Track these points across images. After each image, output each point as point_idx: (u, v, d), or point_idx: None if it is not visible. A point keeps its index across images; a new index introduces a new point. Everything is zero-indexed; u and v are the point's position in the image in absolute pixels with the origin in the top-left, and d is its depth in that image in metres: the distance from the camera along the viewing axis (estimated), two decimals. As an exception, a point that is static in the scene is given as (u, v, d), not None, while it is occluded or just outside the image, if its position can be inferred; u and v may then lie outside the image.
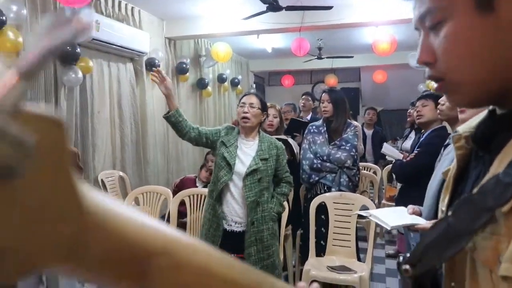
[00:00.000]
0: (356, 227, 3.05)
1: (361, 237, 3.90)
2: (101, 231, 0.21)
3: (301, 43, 5.62)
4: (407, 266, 0.50)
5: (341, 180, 2.96)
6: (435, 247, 0.48)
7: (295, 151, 3.24)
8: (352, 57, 7.86)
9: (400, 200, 2.59)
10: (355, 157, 3.01)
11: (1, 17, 3.07)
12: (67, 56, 3.71)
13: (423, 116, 2.63)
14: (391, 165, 3.58)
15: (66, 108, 3.82)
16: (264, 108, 2.44)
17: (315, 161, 3.01)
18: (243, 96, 2.47)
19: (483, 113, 0.58)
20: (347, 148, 2.98)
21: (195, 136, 2.37)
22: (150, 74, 2.48)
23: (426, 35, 0.54)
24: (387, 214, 1.60)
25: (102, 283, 0.24)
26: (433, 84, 0.57)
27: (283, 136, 3.22)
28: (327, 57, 7.56)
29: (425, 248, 0.49)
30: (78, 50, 3.79)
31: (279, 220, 2.89)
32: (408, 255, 0.52)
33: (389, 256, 4.08)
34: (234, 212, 2.33)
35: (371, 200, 4.06)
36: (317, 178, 3.00)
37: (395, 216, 1.50)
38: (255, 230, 2.29)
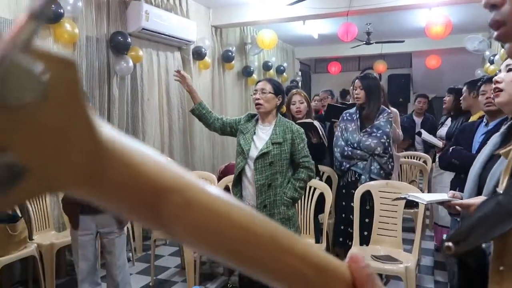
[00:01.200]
0: (403, 217, 2.97)
1: (408, 228, 3.79)
2: (116, 161, 0.23)
3: (348, 28, 5.47)
4: (450, 244, 0.49)
5: (372, 167, 2.90)
6: (482, 225, 0.46)
7: (321, 134, 3.19)
8: (403, 41, 7.53)
9: (455, 186, 2.44)
10: (387, 144, 2.92)
11: (59, 10, 3.26)
12: (119, 46, 3.88)
13: (492, 103, 2.34)
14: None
15: (118, 95, 4.01)
16: (277, 92, 2.43)
17: (346, 148, 2.98)
18: (256, 83, 2.52)
19: None
20: (378, 135, 2.91)
21: (220, 126, 2.55)
22: (173, 75, 2.74)
23: None
24: (426, 195, 1.58)
25: (116, 211, 0.26)
26: (493, 34, 0.53)
27: (308, 120, 3.19)
28: (376, 42, 7.29)
29: (470, 226, 0.47)
30: (129, 40, 3.95)
31: (322, 207, 2.88)
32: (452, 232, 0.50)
33: (441, 249, 3.93)
34: (250, 196, 2.41)
35: (421, 190, 3.91)
36: (348, 166, 2.97)
37: (433, 196, 1.48)
38: (267, 214, 2.29)
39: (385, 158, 2.93)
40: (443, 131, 3.93)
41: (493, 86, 1.39)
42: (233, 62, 6.00)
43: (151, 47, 4.54)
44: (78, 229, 2.36)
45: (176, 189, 0.26)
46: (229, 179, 3.24)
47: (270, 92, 2.39)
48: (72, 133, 0.21)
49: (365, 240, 2.80)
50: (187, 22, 4.83)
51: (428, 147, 4.70)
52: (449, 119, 3.97)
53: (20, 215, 2.75)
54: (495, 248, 0.48)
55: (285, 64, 7.99)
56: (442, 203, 1.34)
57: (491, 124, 2.39)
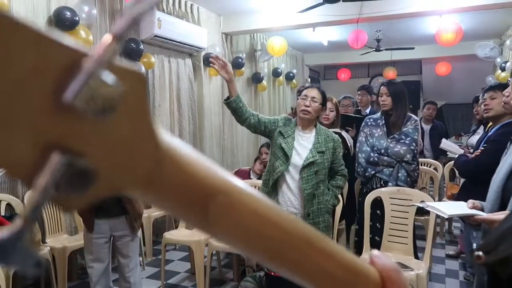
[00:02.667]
0: (414, 224, 2.95)
1: (419, 235, 3.76)
2: (173, 167, 0.26)
3: (358, 35, 5.49)
4: (480, 253, 0.49)
5: (399, 175, 2.85)
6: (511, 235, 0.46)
7: (349, 145, 3.19)
8: (413, 48, 7.52)
9: (462, 196, 2.45)
10: (415, 151, 2.89)
11: (74, 18, 3.33)
12: (131, 53, 3.94)
13: (491, 109, 2.45)
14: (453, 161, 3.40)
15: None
16: (324, 103, 2.43)
17: (371, 154, 2.92)
18: (305, 88, 2.47)
19: None
20: (407, 142, 2.87)
21: (255, 123, 2.38)
22: (210, 63, 2.50)
23: None
24: (445, 205, 1.55)
25: (171, 211, 0.29)
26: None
27: (337, 130, 3.18)
28: (386, 49, 7.29)
29: (500, 235, 0.48)
30: (142, 46, 4.01)
31: (332, 214, 2.88)
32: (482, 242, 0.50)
33: (449, 256, 3.89)
34: (290, 202, 2.36)
35: (431, 197, 3.89)
36: (373, 172, 2.92)
37: (453, 207, 1.45)
38: (310, 222, 2.30)
39: (414, 166, 2.89)
40: (474, 139, 3.87)
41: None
42: (243, 68, 6.04)
43: (163, 53, 4.61)
44: (93, 233, 2.39)
45: (222, 191, 0.28)
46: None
47: (320, 103, 2.38)
48: (138, 141, 0.23)
49: (377, 246, 2.79)
50: (198, 29, 4.89)
51: (438, 154, 4.68)
52: (482, 127, 3.90)
53: (34, 218, 2.79)
54: None
55: (294, 71, 8.02)
56: (467, 219, 1.31)
57: (492, 130, 2.43)
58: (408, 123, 2.93)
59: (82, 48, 0.21)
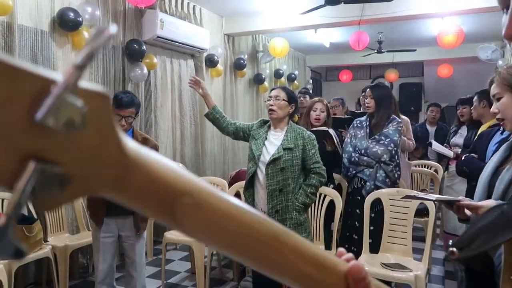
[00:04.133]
0: (413, 226, 2.97)
1: (419, 237, 3.78)
2: (139, 171, 0.29)
3: (360, 37, 5.50)
4: (454, 249, 0.51)
5: (377, 175, 2.91)
6: (485, 233, 0.48)
7: (336, 142, 3.21)
8: (414, 50, 7.53)
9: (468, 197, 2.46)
10: (393, 152, 2.93)
11: (77, 18, 3.36)
12: (134, 54, 3.97)
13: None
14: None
15: (140, 103, 4.08)
16: (291, 100, 2.49)
17: (353, 154, 3.01)
18: (271, 90, 2.58)
19: None
20: (385, 142, 2.92)
21: (233, 130, 2.61)
22: (188, 83, 2.77)
23: None
24: (436, 195, 1.60)
25: (141, 211, 0.32)
26: None
27: (323, 128, 3.22)
28: (388, 51, 7.30)
29: (474, 233, 0.49)
30: (144, 47, 4.04)
31: (332, 215, 2.90)
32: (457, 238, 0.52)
33: (447, 254, 3.90)
34: (262, 200, 2.44)
35: (431, 199, 3.90)
36: (354, 172, 2.99)
37: (442, 197, 1.49)
38: (279, 219, 2.33)
39: (391, 166, 2.93)
40: (458, 139, 3.91)
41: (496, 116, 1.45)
42: (245, 69, 6.07)
43: (165, 54, 4.63)
44: (101, 232, 2.42)
45: (187, 192, 0.31)
46: (240, 185, 3.27)
47: (284, 100, 2.45)
48: (105, 150, 0.27)
49: (370, 248, 2.81)
50: (201, 30, 4.92)
51: (442, 157, 4.68)
52: (465, 128, 3.95)
53: (36, 217, 2.82)
54: (506, 258, 0.49)
55: (296, 72, 8.04)
56: (451, 203, 1.35)
57: (506, 133, 2.42)
58: (390, 124, 2.98)
59: (51, 76, 0.25)
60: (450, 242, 0.52)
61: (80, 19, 3.39)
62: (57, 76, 0.25)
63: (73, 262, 3.35)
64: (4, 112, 0.23)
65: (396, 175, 2.97)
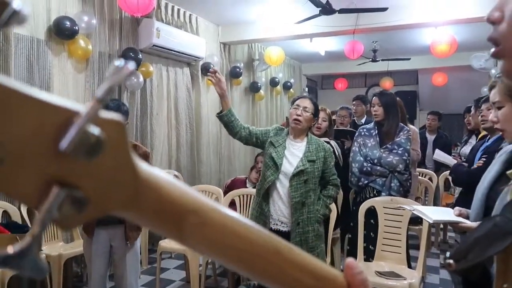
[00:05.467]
0: (408, 234, 2.98)
1: (414, 245, 3.78)
2: (150, 192, 0.32)
3: (354, 46, 5.56)
4: (451, 261, 0.53)
5: (392, 184, 2.89)
6: (479, 244, 0.50)
7: (337, 153, 3.21)
8: (409, 59, 7.60)
9: (459, 205, 2.48)
10: (408, 161, 2.93)
11: (74, 27, 3.38)
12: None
13: (488, 120, 2.47)
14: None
15: (128, 110, 4.09)
16: (316, 113, 2.48)
17: (365, 164, 2.96)
18: (298, 98, 2.51)
19: None
20: (399, 152, 2.91)
21: (246, 135, 2.45)
22: (208, 75, 2.60)
23: None
24: (432, 210, 1.58)
25: (151, 228, 0.34)
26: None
27: (325, 139, 3.22)
28: (382, 60, 7.37)
29: (470, 245, 0.51)
30: (140, 56, 4.06)
31: (327, 223, 2.90)
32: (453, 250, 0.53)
33: (444, 266, 3.90)
34: (280, 212, 2.38)
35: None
36: (366, 182, 2.96)
37: (439, 213, 1.48)
38: (300, 231, 2.32)
39: (406, 176, 2.93)
40: (467, 149, 3.91)
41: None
42: (240, 78, 6.10)
43: (161, 63, 4.66)
44: (92, 242, 2.40)
45: (193, 210, 0.34)
46: (235, 193, 3.28)
47: (312, 113, 2.42)
48: (120, 174, 0.30)
49: (371, 255, 2.81)
50: (197, 39, 4.95)
51: (439, 165, 4.69)
52: (474, 137, 3.94)
53: (30, 226, 2.81)
54: (498, 267, 0.51)
55: (292, 80, 8.09)
56: (452, 225, 1.33)
57: (490, 140, 2.45)
58: (401, 133, 2.97)
59: (75, 108, 0.27)
60: (447, 254, 0.53)
61: (77, 27, 3.41)
62: (80, 108, 0.27)
63: (67, 271, 3.33)
64: (33, 142, 0.26)
65: (409, 184, 2.97)
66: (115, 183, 0.30)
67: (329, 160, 2.44)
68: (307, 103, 2.43)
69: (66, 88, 3.53)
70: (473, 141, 3.89)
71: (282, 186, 2.36)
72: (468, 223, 1.26)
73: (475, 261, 0.50)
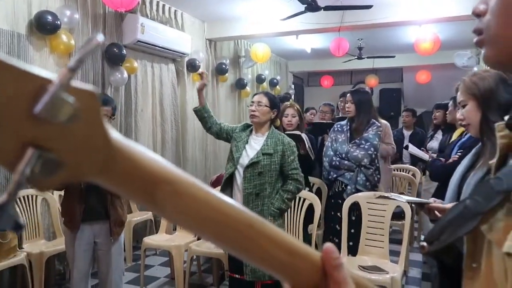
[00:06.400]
0: (392, 229, 3.03)
1: (397, 240, 3.84)
2: (123, 159, 0.33)
3: (340, 43, 5.59)
4: (424, 243, 0.55)
5: (358, 178, 2.97)
6: (450, 226, 0.52)
7: (307, 146, 3.25)
8: (393, 57, 7.68)
9: (436, 198, 2.53)
10: (373, 156, 3.00)
11: (56, 22, 3.32)
12: (114, 58, 3.94)
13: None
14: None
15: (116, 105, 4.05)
16: (273, 106, 2.54)
17: (334, 158, 3.06)
18: (254, 95, 2.62)
19: None
20: (366, 147, 2.99)
21: (217, 131, 2.69)
22: (197, 73, 2.87)
23: None
24: (405, 196, 1.67)
25: (125, 196, 0.36)
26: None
27: (295, 132, 3.25)
28: (368, 57, 7.43)
29: (442, 227, 0.53)
30: (124, 51, 4.01)
31: (311, 218, 2.92)
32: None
33: (419, 249, 3.97)
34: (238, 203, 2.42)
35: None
36: (335, 176, 3.05)
37: (414, 199, 1.57)
38: None
39: (371, 170, 3.00)
40: (433, 143, 4.03)
41: (461, 123, 1.52)
42: (226, 74, 6.08)
43: (146, 58, 4.61)
44: (76, 238, 2.37)
45: (167, 180, 0.35)
46: (219, 189, 3.28)
47: (266, 106, 2.49)
48: (93, 139, 0.31)
49: (351, 251, 2.85)
50: (182, 35, 4.92)
51: (416, 160, 4.80)
52: (440, 132, 4.08)
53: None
54: (468, 247, 0.53)
55: (278, 77, 8.10)
56: (421, 205, 1.40)
57: (466, 136, 2.52)
58: (370, 129, 3.05)
59: (48, 76, 0.29)
60: (422, 237, 0.55)
61: (59, 22, 3.35)
62: (53, 77, 0.29)
63: (49, 269, 3.29)
64: (9, 107, 0.28)
65: (376, 179, 3.04)
66: (88, 149, 0.31)
67: (287, 153, 2.45)
68: (260, 97, 2.54)
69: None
70: (439, 136, 4.02)
71: (239, 178, 2.46)
72: (437, 204, 1.32)
73: (447, 241, 0.53)
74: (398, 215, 3.30)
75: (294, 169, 2.47)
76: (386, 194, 1.79)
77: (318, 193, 3.38)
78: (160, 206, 0.35)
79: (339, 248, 2.84)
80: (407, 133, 5.18)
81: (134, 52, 4.38)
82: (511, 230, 0.45)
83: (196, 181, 0.37)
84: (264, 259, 0.40)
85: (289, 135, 2.87)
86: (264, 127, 2.52)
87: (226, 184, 2.51)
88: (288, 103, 3.54)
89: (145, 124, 4.54)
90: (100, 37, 0.31)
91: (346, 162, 3.01)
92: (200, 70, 2.77)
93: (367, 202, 2.84)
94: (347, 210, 2.85)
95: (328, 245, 0.41)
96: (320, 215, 3.09)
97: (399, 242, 3.68)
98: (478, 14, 0.55)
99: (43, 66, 3.43)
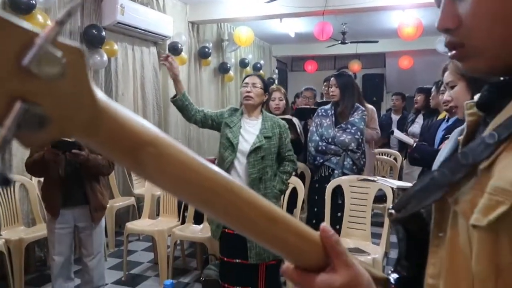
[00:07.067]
0: (373, 212, 3.07)
1: (379, 222, 3.91)
2: (108, 119, 0.33)
3: (324, 27, 5.56)
4: (392, 211, 0.57)
5: (345, 163, 2.98)
6: (417, 196, 0.54)
7: (299, 131, 3.26)
8: (377, 42, 7.71)
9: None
10: (360, 140, 3.02)
11: (31, 1, 3.19)
12: (93, 40, 3.82)
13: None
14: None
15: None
16: (266, 88, 2.51)
17: (320, 143, 3.05)
18: (246, 77, 2.56)
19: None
20: (352, 131, 3.00)
21: (201, 118, 2.48)
22: (160, 60, 2.66)
23: (448, 0, 0.54)
24: (394, 181, 1.67)
25: (109, 157, 0.36)
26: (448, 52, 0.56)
27: (287, 116, 3.25)
28: (351, 42, 7.43)
29: (409, 196, 0.55)
30: (104, 33, 3.89)
31: (294, 201, 2.94)
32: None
33: (387, 216, 4.06)
34: None
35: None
36: (321, 160, 3.04)
37: (402, 183, 1.57)
38: None
39: (358, 154, 3.02)
40: (415, 128, 4.08)
41: (445, 106, 1.52)
42: (209, 58, 6.00)
43: (126, 41, 4.49)
44: (56, 223, 2.33)
45: (151, 142, 0.35)
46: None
47: (261, 88, 2.45)
48: (80, 98, 0.31)
49: (338, 234, 2.88)
50: (163, 17, 4.80)
51: (403, 145, 4.85)
52: (421, 116, 4.13)
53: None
54: (435, 217, 0.55)
55: (262, 62, 8.04)
56: (406, 190, 1.41)
57: (451, 120, 2.54)
58: (355, 113, 3.06)
59: (36, 29, 0.28)
60: (390, 205, 0.57)
61: (34, 1, 3.21)
62: (41, 31, 0.28)
63: (29, 256, 3.23)
64: None
65: (362, 162, 3.06)
66: (75, 106, 0.31)
67: (284, 136, 2.47)
68: (255, 79, 2.47)
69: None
70: (420, 120, 4.07)
71: (240, 164, 2.39)
72: None
73: (413, 210, 0.55)
74: (380, 198, 3.35)
75: (290, 151, 2.50)
76: (372, 178, 1.79)
77: (301, 177, 3.40)
78: (142, 167, 0.35)
79: (339, 235, 2.87)
80: (395, 118, 5.21)
81: (114, 34, 4.26)
82: (476, 202, 0.47)
83: (178, 144, 0.37)
84: (248, 226, 0.41)
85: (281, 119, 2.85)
86: (256, 111, 2.47)
87: (228, 171, 2.38)
88: (274, 86, 3.52)
89: (126, 108, 4.45)
90: None
91: (332, 147, 3.01)
92: (164, 55, 2.53)
93: (350, 186, 2.86)
94: (330, 193, 2.87)
95: (324, 224, 0.45)
96: (304, 199, 3.11)
97: (381, 224, 3.75)
98: (448, 29, 0.54)
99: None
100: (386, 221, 2.82)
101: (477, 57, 0.53)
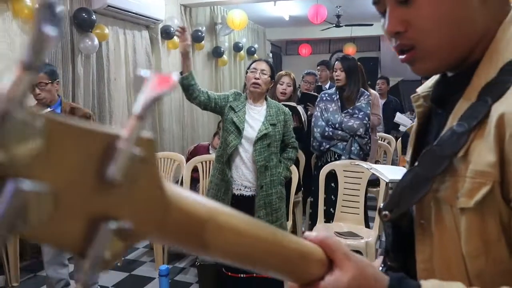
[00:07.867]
0: (367, 196, 3.10)
1: (372, 206, 3.95)
2: (174, 209, 0.31)
3: (318, 10, 5.50)
4: (386, 212, 0.58)
5: (352, 148, 2.96)
6: (407, 193, 0.55)
7: (303, 119, 3.24)
8: (371, 25, 7.64)
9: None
10: (368, 125, 3.00)
11: (17, -17, 3.11)
12: (83, 23, 3.75)
13: None
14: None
15: (83, 75, 3.90)
16: (273, 76, 2.47)
17: (326, 128, 3.01)
18: (253, 62, 2.48)
19: (436, 76, 0.64)
20: (360, 116, 2.97)
21: (205, 100, 2.36)
22: (176, 31, 2.54)
23: (393, 6, 0.57)
24: (388, 169, 1.67)
25: (175, 244, 0.35)
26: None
27: (291, 103, 3.22)
28: (346, 25, 7.37)
29: (399, 194, 0.57)
30: (94, 17, 3.82)
31: (288, 186, 2.96)
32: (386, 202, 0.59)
33: (381, 218, 4.10)
34: (244, 176, 2.39)
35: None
36: (328, 146, 3.01)
37: (395, 172, 1.58)
38: (264, 194, 2.35)
39: (366, 139, 3.00)
40: None
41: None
42: (203, 42, 5.92)
43: (118, 25, 4.42)
44: None
45: (209, 218, 0.34)
46: (197, 160, 3.25)
47: (269, 75, 2.40)
48: (153, 195, 0.28)
49: (332, 217, 2.91)
50: (155, 0, 4.71)
51: (389, 129, 4.87)
52: None
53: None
54: (416, 207, 0.58)
55: (256, 46, 7.96)
56: None
57: None
58: (362, 98, 3.03)
59: (114, 131, 0.24)
60: (381, 205, 0.58)
61: (21, -16, 3.13)
62: (120, 131, 0.24)
63: (24, 242, 3.23)
64: (76, 177, 0.23)
65: (368, 147, 3.05)
66: (149, 206, 0.28)
67: (288, 123, 2.48)
68: (264, 65, 2.41)
69: (13, 51, 3.28)
70: None
71: (245, 151, 2.35)
72: None
73: (404, 209, 0.57)
74: (373, 182, 3.37)
75: (293, 137, 2.52)
76: (366, 166, 1.78)
77: (296, 163, 3.40)
78: (209, 245, 0.34)
79: (333, 218, 2.89)
80: (381, 102, 5.21)
81: (105, 18, 4.18)
82: (457, 187, 0.51)
83: (226, 208, 0.37)
84: (288, 270, 0.42)
85: (285, 106, 2.82)
86: (262, 97, 2.45)
87: (229, 157, 2.36)
88: (283, 72, 3.44)
89: (119, 93, 4.41)
90: (175, 76, 0.27)
91: (339, 132, 2.97)
92: (178, 26, 2.36)
93: (344, 170, 2.88)
94: (324, 178, 2.89)
95: (306, 234, 0.46)
96: (299, 183, 3.12)
97: (374, 208, 3.79)
98: (398, 33, 0.56)
99: (7, 32, 3.23)
100: (379, 203, 2.84)
101: (428, 57, 0.56)
